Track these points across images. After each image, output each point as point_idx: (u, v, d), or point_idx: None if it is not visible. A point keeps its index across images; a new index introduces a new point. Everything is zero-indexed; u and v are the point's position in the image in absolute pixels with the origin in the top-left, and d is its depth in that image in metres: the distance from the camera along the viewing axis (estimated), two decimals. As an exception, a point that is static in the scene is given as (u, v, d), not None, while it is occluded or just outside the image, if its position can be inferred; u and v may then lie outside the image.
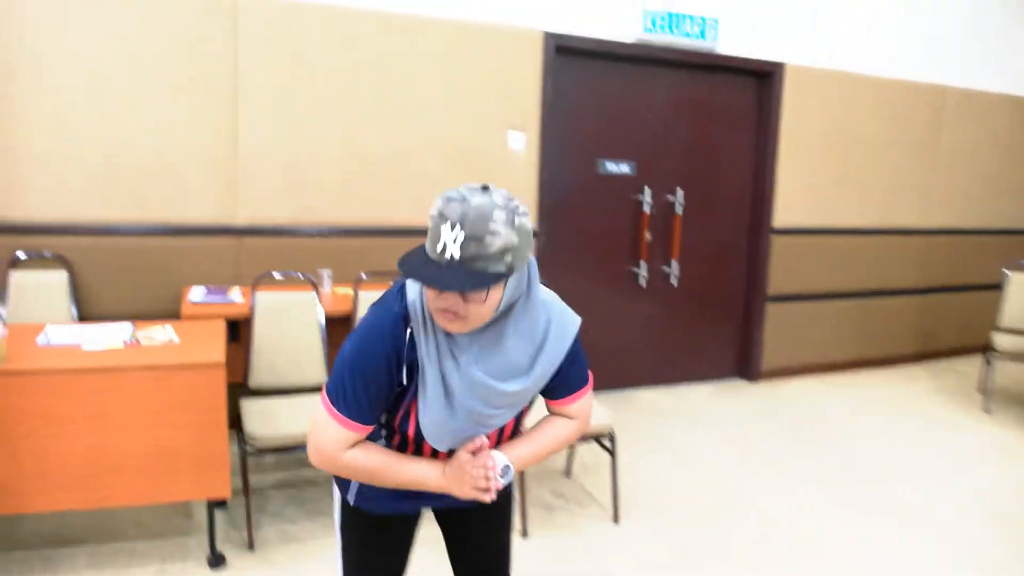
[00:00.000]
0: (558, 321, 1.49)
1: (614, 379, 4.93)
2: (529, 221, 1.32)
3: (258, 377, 3.30)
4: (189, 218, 3.83)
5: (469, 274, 1.26)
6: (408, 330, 1.40)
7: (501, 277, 1.28)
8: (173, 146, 3.76)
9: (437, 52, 4.11)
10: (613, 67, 4.61)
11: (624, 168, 4.75)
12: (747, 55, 4.85)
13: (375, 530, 1.65)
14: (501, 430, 1.53)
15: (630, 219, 4.85)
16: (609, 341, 4.89)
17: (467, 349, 1.39)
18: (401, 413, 1.47)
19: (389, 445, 1.52)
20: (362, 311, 3.09)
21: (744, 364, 5.36)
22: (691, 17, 4.51)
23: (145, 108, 3.69)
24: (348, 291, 3.77)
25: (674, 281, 4.99)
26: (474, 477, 1.42)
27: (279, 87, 3.88)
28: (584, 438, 3.22)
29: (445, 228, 1.26)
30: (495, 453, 1.47)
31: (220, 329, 2.95)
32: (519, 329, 1.42)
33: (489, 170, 4.29)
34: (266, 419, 3.02)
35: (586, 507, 3.37)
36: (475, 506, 1.62)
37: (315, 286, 3.45)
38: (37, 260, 3.62)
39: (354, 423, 1.41)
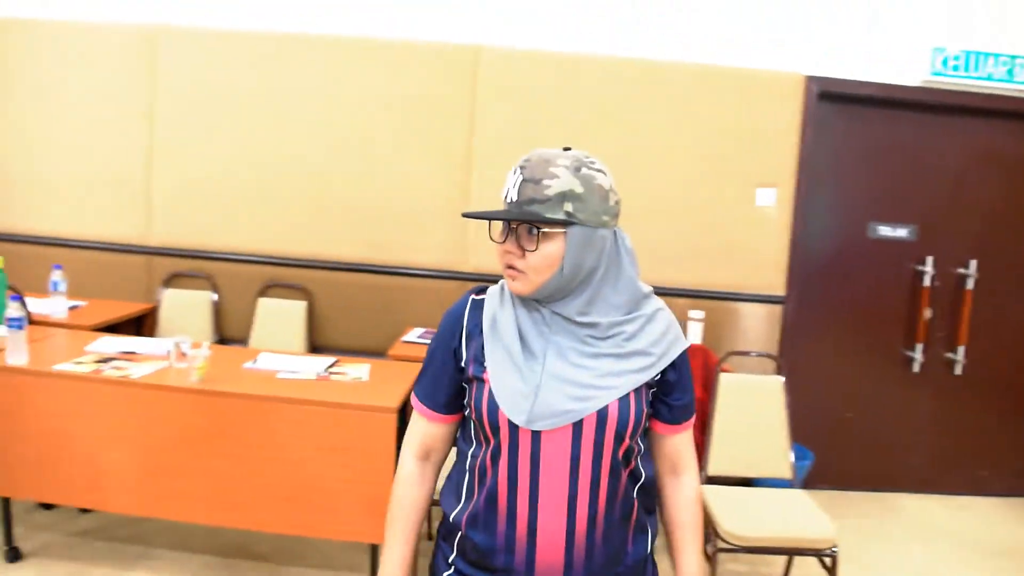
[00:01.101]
0: (675, 324, 1.36)
1: (870, 478, 4.16)
2: (605, 180, 1.25)
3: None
4: (421, 261, 3.95)
5: (521, 214, 1.22)
6: (471, 299, 1.37)
7: (555, 223, 1.20)
8: (411, 194, 3.93)
9: (675, 99, 3.84)
10: (890, 115, 3.97)
11: (901, 232, 4.05)
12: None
13: None
14: (600, 450, 1.25)
15: (905, 292, 4.11)
16: (869, 432, 4.14)
17: (550, 319, 1.27)
18: (475, 386, 1.30)
19: (476, 455, 1.32)
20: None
21: (1053, 482, 4.24)
22: (995, 55, 3.74)
23: (389, 161, 3.91)
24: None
25: (959, 369, 4.11)
26: None
27: (508, 136, 3.89)
28: (803, 551, 2.68)
29: (510, 174, 1.26)
30: None
31: (410, 373, 2.94)
32: (597, 304, 1.26)
33: (732, 230, 3.90)
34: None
35: (796, 631, 2.81)
36: None
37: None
38: (284, 289, 3.99)
39: (422, 405, 1.38)
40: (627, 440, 1.27)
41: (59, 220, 4.17)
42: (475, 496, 1.31)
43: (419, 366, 1.42)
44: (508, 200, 1.25)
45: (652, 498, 1.39)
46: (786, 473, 3.04)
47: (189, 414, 2.71)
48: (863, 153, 4.01)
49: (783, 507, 2.80)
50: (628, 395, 1.26)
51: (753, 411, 3.11)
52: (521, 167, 1.24)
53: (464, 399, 1.35)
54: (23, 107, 4.14)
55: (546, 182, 1.21)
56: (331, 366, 3.02)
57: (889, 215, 4.05)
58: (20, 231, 4.20)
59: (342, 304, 4.02)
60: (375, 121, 3.92)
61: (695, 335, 3.75)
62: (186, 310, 4.08)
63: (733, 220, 3.90)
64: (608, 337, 1.26)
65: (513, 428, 1.25)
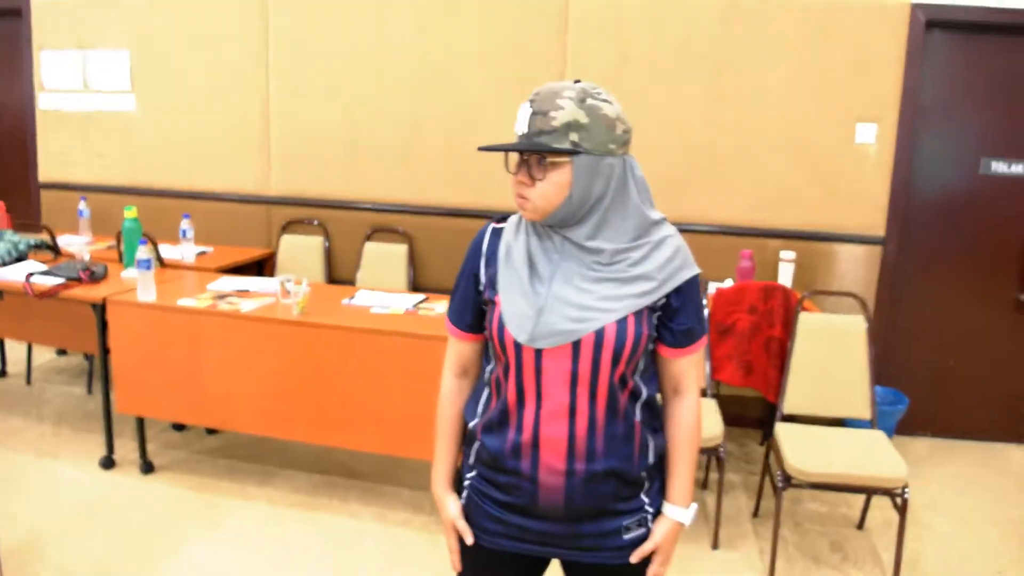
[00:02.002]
0: (684, 251, 1.39)
1: (974, 427, 3.98)
2: (612, 109, 1.29)
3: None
4: (512, 205, 4.08)
5: (529, 144, 1.28)
6: (491, 227, 1.47)
7: (561, 152, 1.26)
8: (506, 138, 4.05)
9: (780, 37, 3.73)
10: (1005, 42, 3.67)
11: (1018, 169, 3.78)
12: None
13: (475, 570, 1.53)
14: (597, 368, 1.33)
15: (1021, 233, 3.84)
16: (975, 380, 3.95)
17: (560, 247, 1.35)
18: (489, 308, 1.41)
19: (492, 370, 1.44)
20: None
21: None
22: None
23: (483, 108, 4.05)
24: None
25: (1083, 316, 3.83)
26: None
27: (601, 78, 3.90)
28: (869, 489, 2.67)
29: (521, 107, 1.31)
30: (674, 513, 1.45)
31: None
32: (603, 230, 1.33)
33: (830, 168, 3.78)
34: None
35: (864, 570, 2.80)
36: (613, 565, 1.43)
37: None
38: (387, 234, 4.26)
39: (452, 326, 1.51)
40: (624, 360, 1.33)
41: (188, 174, 4.62)
42: (491, 407, 1.44)
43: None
44: (519, 133, 1.31)
45: (657, 416, 1.45)
46: (865, 414, 3.00)
47: (292, 344, 3.01)
48: (975, 84, 3.74)
49: (855, 446, 2.78)
50: (626, 318, 1.31)
51: (834, 351, 3.06)
52: (531, 100, 1.29)
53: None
54: (151, 71, 4.57)
55: (552, 113, 1.26)
56: (420, 302, 3.23)
57: (1005, 150, 3.78)
58: (154, 185, 4.69)
59: (440, 246, 4.24)
60: (470, 69, 4.05)
61: (786, 276, 3.70)
62: (301, 254, 4.44)
63: (831, 158, 3.78)
64: (613, 263, 1.32)
65: (518, 346, 1.34)
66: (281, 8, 4.28)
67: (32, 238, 3.94)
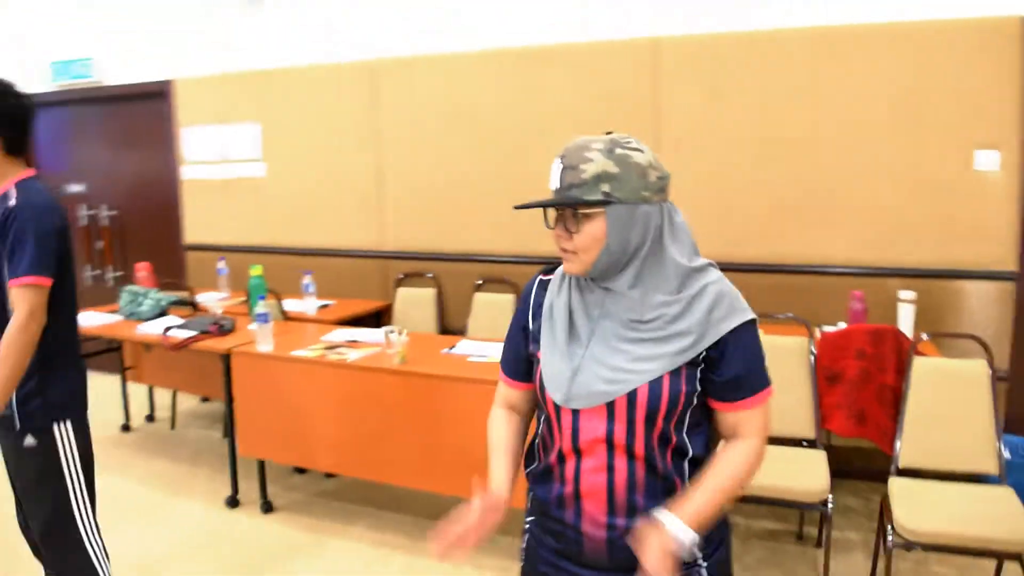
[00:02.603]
0: (728, 298, 1.34)
1: None
2: (643, 157, 1.31)
3: None
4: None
5: (561, 199, 1.32)
6: (538, 279, 1.51)
7: (594, 204, 1.29)
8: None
9: (879, 65, 3.58)
10: None
11: None
12: None
13: None
14: (632, 428, 1.32)
15: None
16: None
17: (601, 302, 1.37)
18: (535, 364, 1.45)
19: (542, 422, 1.47)
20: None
21: None
22: None
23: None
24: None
25: None
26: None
27: (695, 121, 3.89)
28: (990, 552, 2.43)
29: (553, 164, 1.34)
30: (665, 519, 1.30)
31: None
32: (644, 279, 1.33)
33: (945, 200, 3.55)
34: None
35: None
36: None
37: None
38: (495, 284, 4.39)
39: (503, 373, 1.56)
40: (660, 419, 1.32)
41: (311, 233, 4.96)
42: (541, 457, 1.47)
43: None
44: (552, 188, 1.34)
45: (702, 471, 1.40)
46: (992, 468, 2.75)
47: (392, 391, 3.15)
48: (1116, 102, 3.43)
49: (978, 503, 2.56)
50: (661, 378, 1.30)
51: (954, 399, 2.84)
52: (561, 156, 1.32)
53: None
54: (278, 141, 4.97)
55: (582, 167, 1.29)
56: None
57: None
58: (281, 243, 5.06)
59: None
60: (562, 123, 4.14)
61: (907, 318, 3.48)
62: (416, 305, 4.64)
63: (947, 189, 3.54)
64: (651, 320, 1.32)
65: (557, 405, 1.38)
66: (387, 78, 4.57)
67: (174, 295, 4.35)
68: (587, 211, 1.30)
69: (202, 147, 5.25)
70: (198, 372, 4.26)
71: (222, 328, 3.76)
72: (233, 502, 3.64)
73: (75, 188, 5.95)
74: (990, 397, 2.78)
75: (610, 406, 1.33)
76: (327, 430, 3.33)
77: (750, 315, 1.35)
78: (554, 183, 1.33)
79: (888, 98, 3.59)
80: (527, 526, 1.54)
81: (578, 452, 1.37)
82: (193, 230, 5.43)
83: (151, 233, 5.70)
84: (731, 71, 3.81)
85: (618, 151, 1.29)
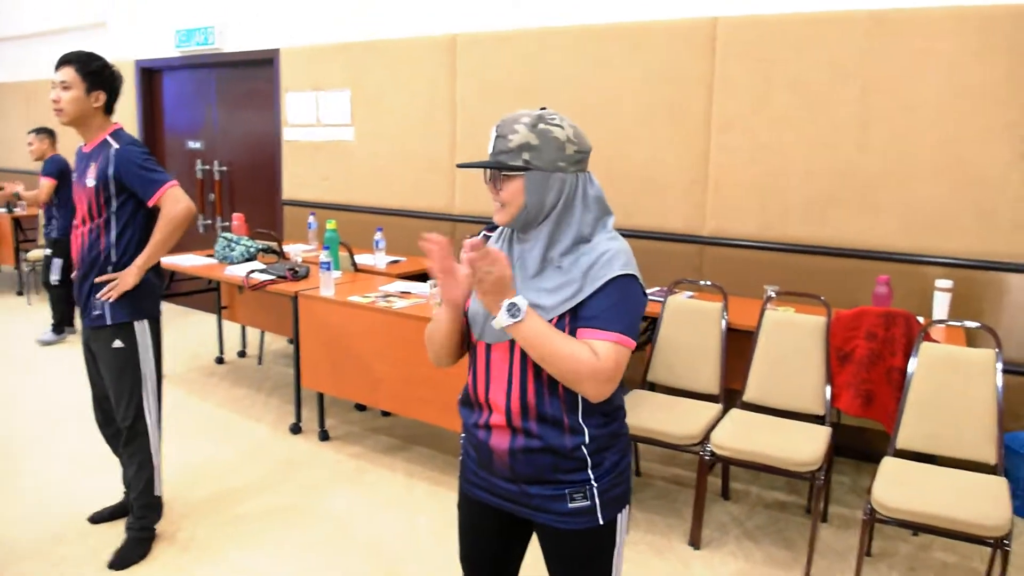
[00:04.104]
0: (612, 258, 1.53)
1: None
2: (562, 133, 1.53)
3: (655, 373, 3.55)
4: (662, 226, 4.27)
5: (492, 162, 1.55)
6: (482, 234, 1.70)
7: (514, 168, 1.52)
8: (655, 162, 4.26)
9: (934, 50, 3.54)
10: None
11: None
12: None
13: (463, 513, 1.82)
14: (525, 361, 1.56)
15: None
16: None
17: (521, 256, 1.60)
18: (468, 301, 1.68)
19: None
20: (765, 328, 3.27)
21: None
22: None
23: (634, 133, 4.29)
24: (788, 309, 3.60)
25: None
26: (475, 268, 1.45)
27: (748, 100, 3.97)
28: (961, 535, 2.49)
29: (491, 131, 1.58)
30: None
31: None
32: (554, 237, 1.56)
33: (991, 188, 3.49)
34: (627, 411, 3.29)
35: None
36: (562, 529, 1.63)
37: (725, 296, 3.50)
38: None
39: None
40: None
41: (389, 194, 5.36)
42: (468, 384, 1.74)
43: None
44: (489, 153, 1.61)
45: (598, 407, 1.61)
46: (990, 458, 2.78)
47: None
48: None
49: (961, 488, 2.60)
50: (552, 320, 1.54)
51: (959, 387, 2.86)
52: (497, 126, 1.59)
53: None
54: (365, 107, 5.37)
55: (510, 136, 1.52)
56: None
57: None
58: (363, 203, 5.50)
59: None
60: (623, 98, 4.31)
61: (941, 307, 3.47)
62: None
63: (996, 179, 3.47)
64: (546, 272, 1.57)
65: (477, 340, 1.66)
66: (465, 51, 4.87)
67: (263, 243, 4.85)
68: (509, 174, 1.55)
69: (301, 111, 5.75)
70: (284, 315, 4.76)
71: (296, 274, 4.21)
72: (296, 429, 4.11)
73: (194, 145, 6.63)
74: (995, 387, 2.80)
75: (512, 342, 1.58)
76: (373, 369, 3.71)
77: (624, 271, 1.53)
78: (489, 148, 1.57)
79: (941, 83, 3.55)
80: (462, 442, 1.81)
81: (488, 379, 1.64)
82: (290, 187, 5.96)
83: (255, 188, 6.29)
84: (784, 52, 3.85)
85: (541, 126, 1.52)
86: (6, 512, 3.20)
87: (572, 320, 1.55)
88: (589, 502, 1.62)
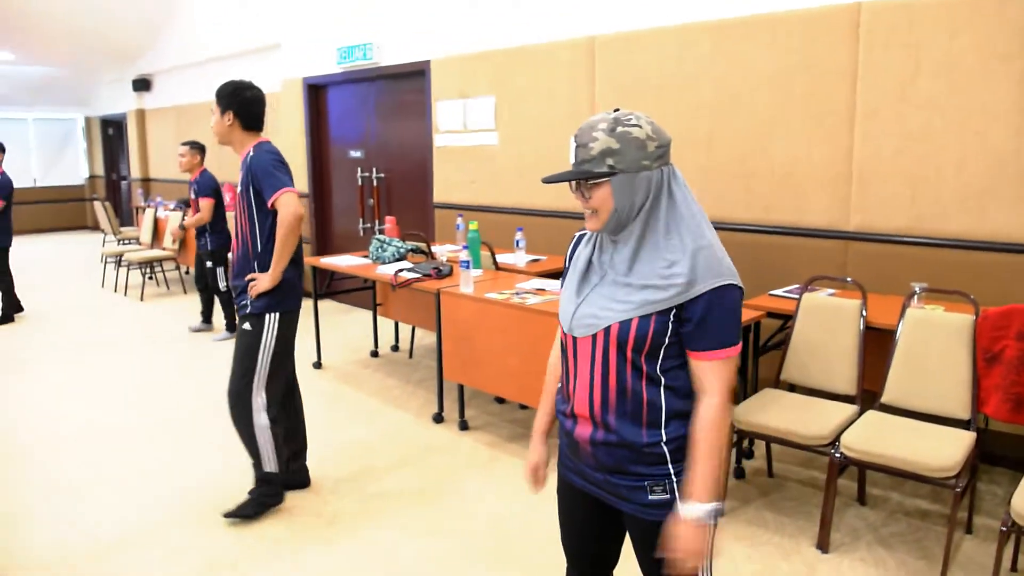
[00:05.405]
0: (705, 263, 1.56)
1: None
2: (641, 131, 1.54)
3: (788, 372, 3.47)
4: (801, 221, 4.14)
5: (576, 173, 1.58)
6: (576, 236, 1.79)
7: (600, 175, 1.56)
8: (792, 156, 4.14)
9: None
10: None
11: None
12: None
13: (561, 498, 1.92)
14: (607, 355, 1.62)
15: None
16: None
17: (611, 255, 1.65)
18: None
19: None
20: (906, 326, 3.23)
21: None
22: None
23: (774, 127, 4.19)
24: (937, 308, 3.40)
25: None
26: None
27: (894, 90, 3.77)
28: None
29: (570, 141, 1.62)
30: (682, 509, 1.59)
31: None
32: (645, 236, 1.60)
33: None
34: (757, 410, 3.26)
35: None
36: (646, 520, 1.70)
37: (864, 294, 3.36)
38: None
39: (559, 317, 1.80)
40: (629, 351, 1.61)
41: (531, 195, 5.53)
42: (561, 377, 1.84)
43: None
44: (571, 163, 1.66)
45: (680, 401, 1.64)
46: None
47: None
48: None
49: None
50: (632, 319, 1.59)
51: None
52: (575, 136, 1.59)
53: None
54: (508, 112, 5.57)
55: (590, 144, 1.55)
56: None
57: None
58: (507, 204, 5.71)
59: (735, 260, 4.43)
60: (760, 90, 4.22)
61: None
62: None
63: None
64: (633, 274, 1.61)
65: (565, 333, 1.74)
66: (603, 52, 4.94)
67: (412, 244, 5.18)
68: (596, 181, 1.58)
69: (450, 118, 6.06)
70: (431, 311, 5.05)
71: (440, 272, 4.47)
72: (438, 418, 4.37)
73: (355, 154, 7.15)
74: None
75: (594, 337, 1.65)
76: (506, 362, 3.88)
77: (724, 281, 1.55)
78: (571, 159, 1.60)
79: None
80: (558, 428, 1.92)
81: (576, 371, 1.72)
82: (440, 191, 6.29)
83: (409, 193, 6.69)
84: (934, 38, 3.62)
85: (619, 129, 1.54)
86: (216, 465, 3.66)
87: (660, 316, 1.57)
88: (669, 496, 1.66)
